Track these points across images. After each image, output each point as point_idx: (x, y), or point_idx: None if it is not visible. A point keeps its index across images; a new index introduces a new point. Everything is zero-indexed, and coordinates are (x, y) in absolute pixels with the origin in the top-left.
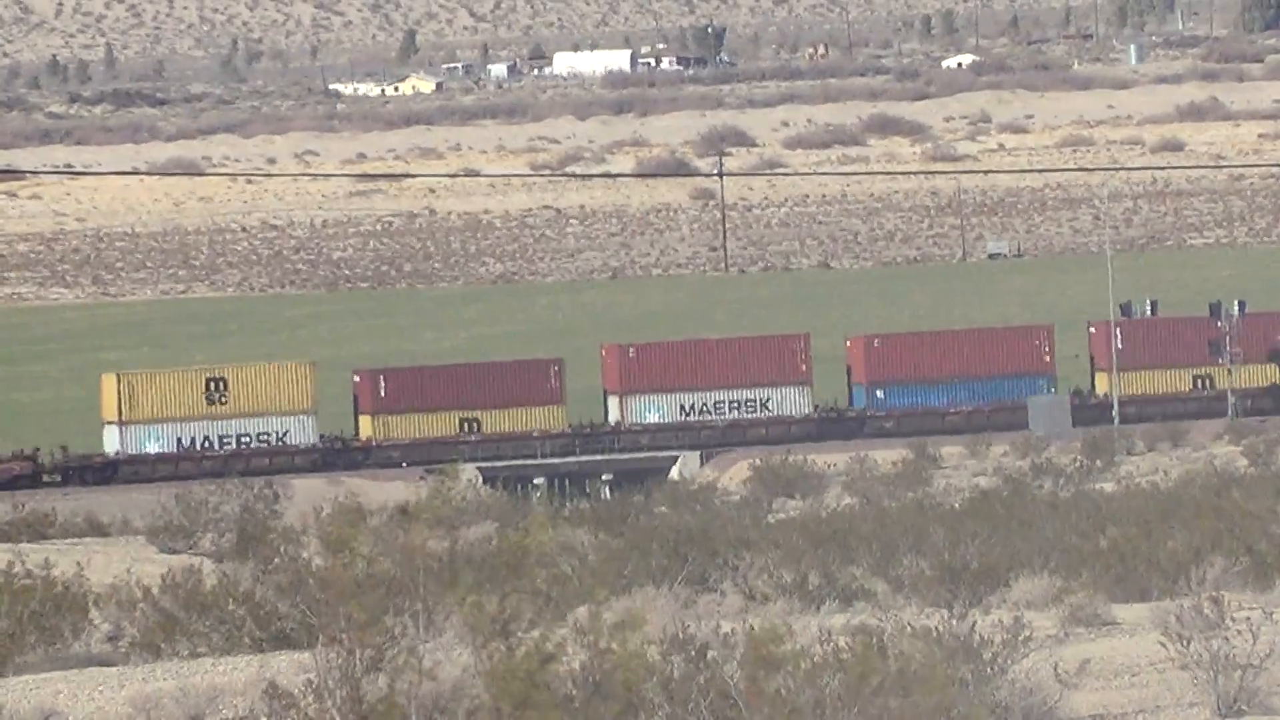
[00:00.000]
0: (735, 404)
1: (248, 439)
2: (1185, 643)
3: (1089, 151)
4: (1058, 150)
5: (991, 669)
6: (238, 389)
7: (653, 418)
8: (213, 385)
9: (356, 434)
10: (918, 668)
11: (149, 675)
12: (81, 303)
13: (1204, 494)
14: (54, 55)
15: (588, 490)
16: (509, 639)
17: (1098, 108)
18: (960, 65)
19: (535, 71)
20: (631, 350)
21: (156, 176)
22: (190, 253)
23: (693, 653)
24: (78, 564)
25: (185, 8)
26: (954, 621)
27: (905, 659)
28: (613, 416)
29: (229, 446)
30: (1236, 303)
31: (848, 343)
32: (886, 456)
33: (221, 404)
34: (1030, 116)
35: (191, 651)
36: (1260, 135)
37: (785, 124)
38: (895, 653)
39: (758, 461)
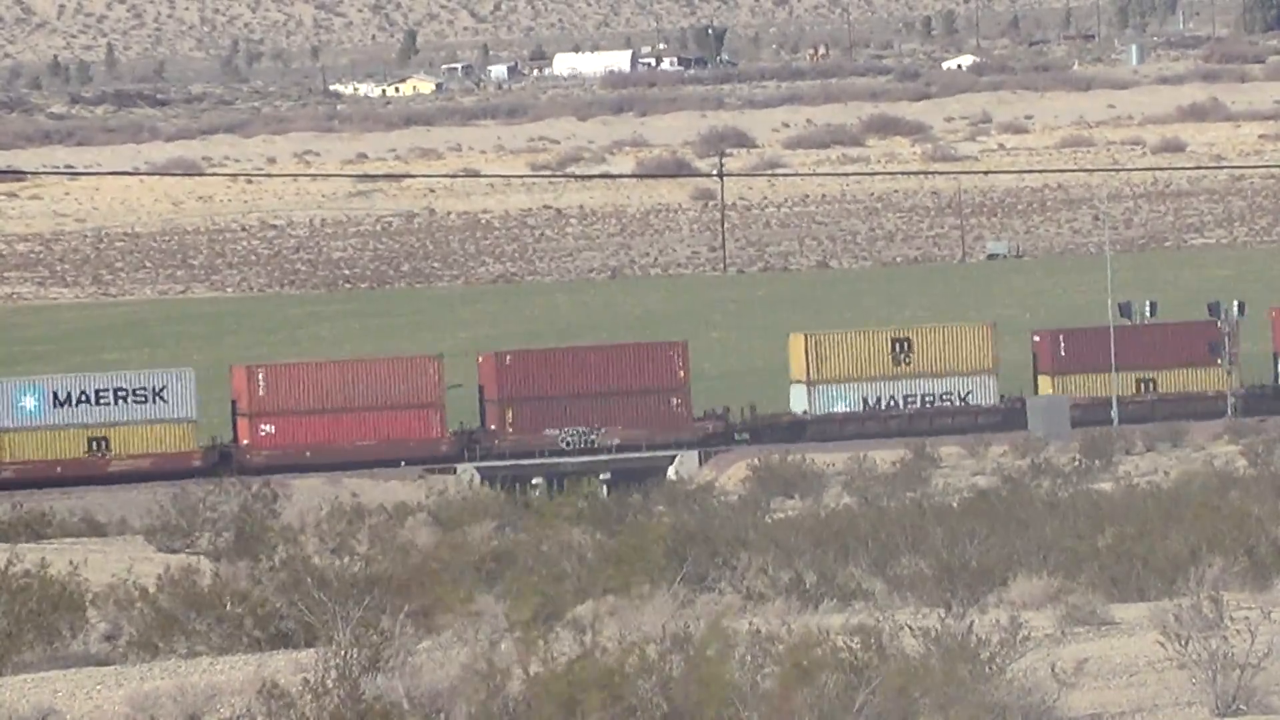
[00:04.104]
0: None
1: (930, 399)
2: (1183, 642)
3: (1089, 152)
4: (1058, 151)
5: (989, 668)
6: (922, 349)
7: None
8: (898, 345)
9: (1036, 394)
10: (915, 667)
11: (146, 674)
12: (81, 303)
13: (1203, 494)
14: (55, 56)
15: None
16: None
17: (1098, 108)
18: (961, 66)
19: (536, 72)
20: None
21: (156, 176)
22: (190, 253)
23: (691, 652)
24: (70, 563)
25: (186, 9)
26: (952, 621)
27: (904, 658)
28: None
29: (913, 406)
30: (1236, 303)
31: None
32: (886, 457)
33: (906, 364)
34: (1030, 117)
35: (189, 650)
36: (1261, 136)
37: (785, 124)
38: (893, 652)
39: (756, 461)
